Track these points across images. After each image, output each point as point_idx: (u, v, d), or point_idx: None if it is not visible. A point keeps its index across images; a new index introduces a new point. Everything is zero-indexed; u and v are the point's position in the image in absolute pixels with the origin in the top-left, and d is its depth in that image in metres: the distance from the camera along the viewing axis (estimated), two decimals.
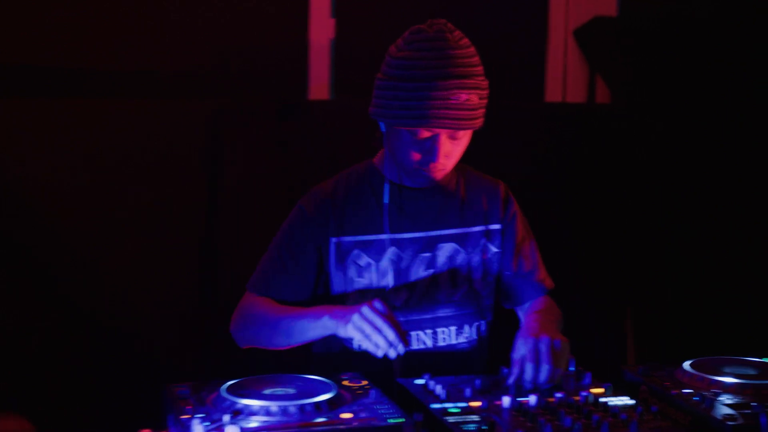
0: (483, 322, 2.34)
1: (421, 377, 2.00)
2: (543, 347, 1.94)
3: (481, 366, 2.30)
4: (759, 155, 3.38)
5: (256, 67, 3.27)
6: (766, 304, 3.32)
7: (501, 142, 3.05)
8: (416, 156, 2.13)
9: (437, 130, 2.08)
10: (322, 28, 3.38)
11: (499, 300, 2.38)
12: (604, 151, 3.50)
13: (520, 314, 2.37)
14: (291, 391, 1.83)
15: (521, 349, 1.97)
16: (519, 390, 1.93)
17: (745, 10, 3.37)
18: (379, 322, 1.94)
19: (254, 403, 1.76)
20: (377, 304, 1.98)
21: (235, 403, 1.77)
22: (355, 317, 1.96)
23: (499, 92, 2.28)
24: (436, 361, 2.24)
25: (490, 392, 1.92)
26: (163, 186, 3.03)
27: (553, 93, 3.67)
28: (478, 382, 1.94)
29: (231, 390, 1.83)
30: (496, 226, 2.31)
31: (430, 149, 2.11)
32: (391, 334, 1.93)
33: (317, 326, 2.05)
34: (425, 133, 2.09)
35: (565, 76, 3.69)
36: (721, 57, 3.41)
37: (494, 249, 2.31)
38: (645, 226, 3.49)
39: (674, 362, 2.10)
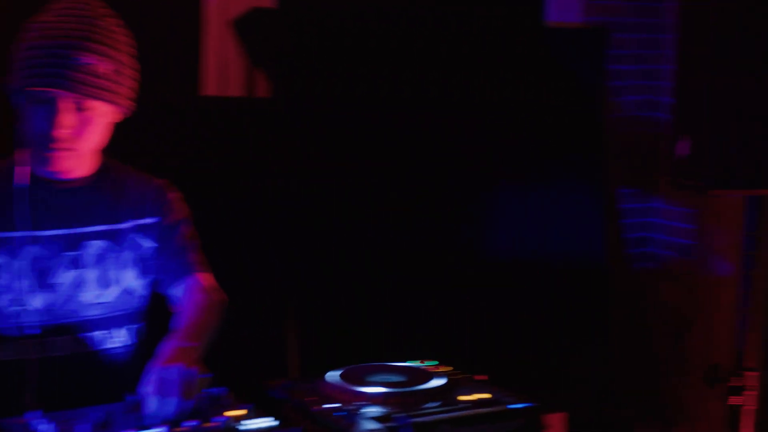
0: (141, 325, 2.21)
1: (24, 414, 1.75)
2: (172, 377, 1.80)
3: (137, 375, 2.09)
4: (427, 154, 3.44)
5: None
6: (425, 307, 3.37)
7: (154, 137, 2.92)
8: (41, 126, 2.00)
9: (55, 90, 1.97)
10: None
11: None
12: (264, 146, 3.39)
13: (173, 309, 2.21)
14: None
15: (149, 379, 1.83)
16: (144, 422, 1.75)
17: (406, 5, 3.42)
18: None
19: None
20: None
21: None
22: None
23: (151, 85, 2.21)
24: (83, 368, 2.09)
25: (109, 426, 1.71)
26: None
27: (210, 86, 3.51)
28: (98, 414, 1.73)
29: None
30: (151, 220, 2.20)
31: (51, 117, 1.99)
32: None
33: None
34: (44, 95, 1.98)
35: (222, 68, 3.54)
36: (380, 52, 3.43)
37: (149, 244, 2.19)
38: (308, 224, 3.42)
39: (322, 374, 1.99)
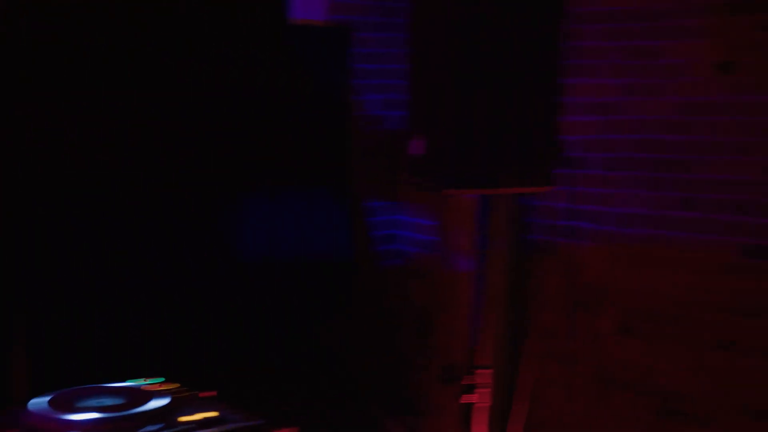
0: None
1: None
2: None
3: None
4: (167, 153, 3.28)
5: None
6: (161, 317, 3.21)
7: None
8: None
9: None
10: None
11: None
12: None
13: None
14: None
15: None
16: None
17: None
18: None
19: None
20: None
21: None
22: None
23: None
24: None
25: None
26: None
27: None
28: None
29: None
30: None
31: None
32: None
33: None
34: None
35: None
36: (110, 41, 3.25)
37: None
38: (33, 230, 3.18)
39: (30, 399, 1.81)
